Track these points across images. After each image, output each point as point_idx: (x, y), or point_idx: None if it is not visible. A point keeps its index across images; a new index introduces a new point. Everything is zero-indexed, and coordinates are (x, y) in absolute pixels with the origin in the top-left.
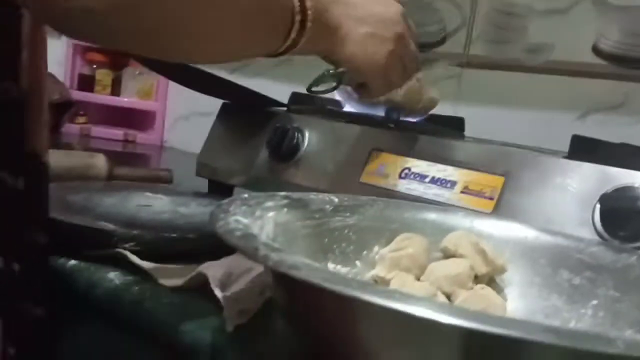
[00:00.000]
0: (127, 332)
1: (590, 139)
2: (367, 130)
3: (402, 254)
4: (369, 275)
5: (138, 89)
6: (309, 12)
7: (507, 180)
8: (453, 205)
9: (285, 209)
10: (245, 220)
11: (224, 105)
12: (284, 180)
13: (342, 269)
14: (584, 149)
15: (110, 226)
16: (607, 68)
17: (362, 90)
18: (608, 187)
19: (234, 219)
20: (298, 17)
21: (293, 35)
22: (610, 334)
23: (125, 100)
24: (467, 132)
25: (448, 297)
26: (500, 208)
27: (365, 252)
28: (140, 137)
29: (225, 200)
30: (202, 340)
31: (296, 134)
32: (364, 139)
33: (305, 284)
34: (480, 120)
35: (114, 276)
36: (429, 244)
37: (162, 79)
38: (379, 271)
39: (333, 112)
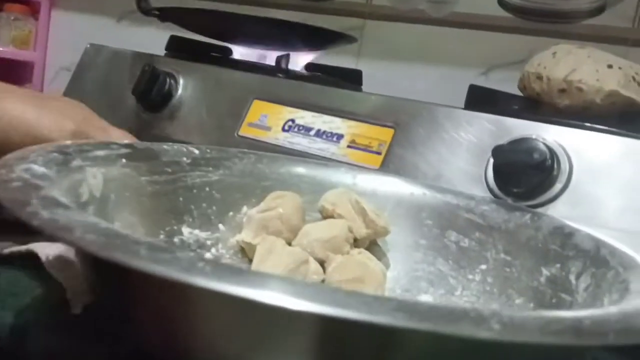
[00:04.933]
0: None
1: (488, 89)
2: (250, 78)
3: (271, 214)
4: (234, 240)
5: (13, 36)
6: None
7: (396, 132)
8: (338, 161)
9: (124, 160)
10: (42, 170)
11: (91, 45)
12: (153, 134)
13: (202, 234)
14: (482, 100)
15: None
16: (513, 22)
17: None
18: (504, 140)
19: (24, 167)
20: None
21: None
22: (484, 309)
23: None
24: (366, 86)
25: (322, 263)
26: (388, 163)
27: (231, 214)
28: None
29: (34, 147)
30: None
31: (168, 79)
32: (247, 87)
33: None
34: (380, 75)
35: None
36: (305, 203)
37: (41, 25)
38: (244, 235)
39: (216, 58)
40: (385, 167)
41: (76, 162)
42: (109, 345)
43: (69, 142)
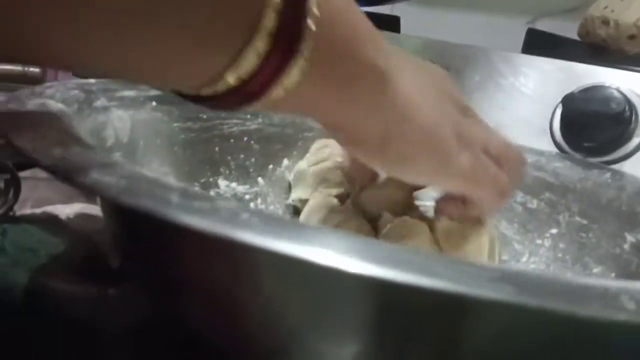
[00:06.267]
0: None
1: (548, 33)
2: None
3: (328, 164)
4: (290, 200)
5: None
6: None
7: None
8: None
9: (154, 103)
10: (60, 107)
11: None
12: None
13: (240, 187)
14: (541, 45)
15: None
16: None
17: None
18: (572, 88)
19: (38, 103)
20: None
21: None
22: (608, 283)
23: None
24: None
25: (374, 221)
26: None
27: (271, 167)
28: None
29: (55, 82)
30: (16, 280)
31: None
32: None
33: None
34: (421, 24)
35: None
36: None
37: None
38: (301, 193)
39: None
40: None
41: (100, 102)
42: (139, 315)
43: (92, 80)
